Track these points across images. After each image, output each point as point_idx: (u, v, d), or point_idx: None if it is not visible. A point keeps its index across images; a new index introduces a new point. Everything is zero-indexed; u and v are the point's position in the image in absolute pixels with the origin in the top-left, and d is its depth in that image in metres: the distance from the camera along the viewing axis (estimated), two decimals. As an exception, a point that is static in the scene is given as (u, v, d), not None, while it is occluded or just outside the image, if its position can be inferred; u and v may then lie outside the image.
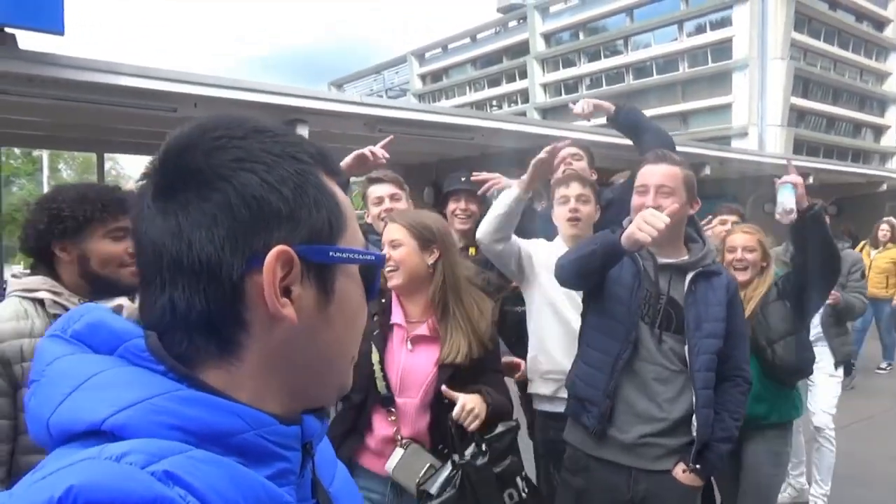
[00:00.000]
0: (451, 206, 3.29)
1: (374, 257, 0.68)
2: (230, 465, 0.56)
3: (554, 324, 2.80)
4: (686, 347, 2.20)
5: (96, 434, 0.53)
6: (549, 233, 3.07)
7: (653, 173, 2.25)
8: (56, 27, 4.21)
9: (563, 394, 2.70)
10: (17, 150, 26.51)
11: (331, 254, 0.63)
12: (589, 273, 2.25)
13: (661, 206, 2.15)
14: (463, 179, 3.33)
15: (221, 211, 0.58)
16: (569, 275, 2.32)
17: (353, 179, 2.70)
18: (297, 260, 0.60)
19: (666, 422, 2.18)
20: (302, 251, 0.60)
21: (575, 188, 2.84)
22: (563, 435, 2.42)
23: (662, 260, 2.27)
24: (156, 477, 0.49)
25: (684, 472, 2.18)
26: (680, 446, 2.21)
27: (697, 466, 2.19)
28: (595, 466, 2.26)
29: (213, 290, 0.58)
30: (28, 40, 4.32)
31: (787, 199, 2.48)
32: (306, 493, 0.68)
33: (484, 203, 3.31)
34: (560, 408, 2.64)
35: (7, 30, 4.25)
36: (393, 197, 2.91)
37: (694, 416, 2.19)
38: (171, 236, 0.58)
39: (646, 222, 2.00)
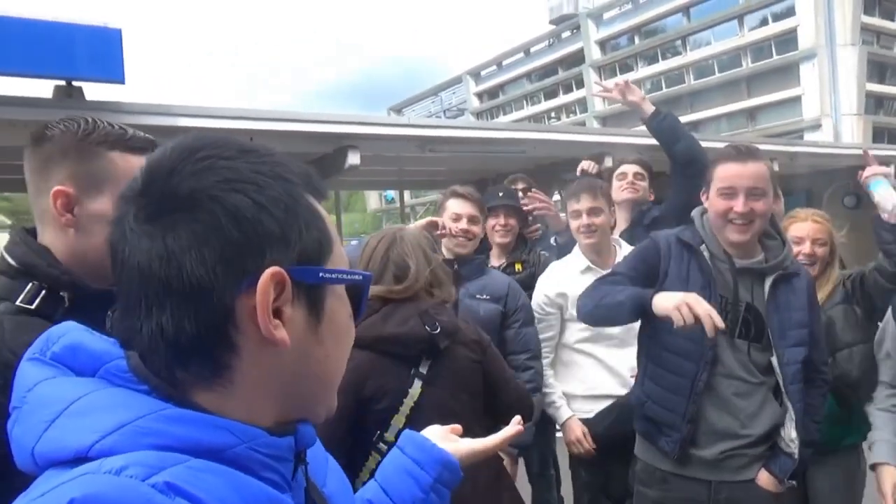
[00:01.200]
0: (491, 221, 3.26)
1: (360, 277, 0.68)
2: (230, 472, 0.56)
3: (588, 356, 2.85)
4: (773, 358, 2.08)
5: (85, 461, 0.53)
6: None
7: (742, 174, 2.06)
8: (118, 77, 4.49)
9: (586, 406, 2.84)
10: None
11: (321, 275, 0.63)
12: (613, 321, 2.24)
13: (753, 209, 2.02)
14: (501, 195, 3.32)
15: (213, 233, 0.57)
16: (594, 320, 2.30)
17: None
18: (289, 281, 0.59)
19: (749, 438, 2.08)
20: (293, 272, 0.60)
21: (585, 201, 2.80)
22: (634, 450, 2.36)
23: (741, 263, 2.10)
24: (157, 489, 0.50)
25: (769, 480, 2.09)
26: (762, 453, 2.11)
27: (794, 483, 2.11)
28: (673, 479, 2.17)
29: (203, 313, 0.57)
30: (93, 91, 4.62)
31: (887, 196, 2.19)
32: (300, 499, 0.68)
33: (522, 218, 3.33)
34: (581, 415, 2.83)
35: (74, 83, 4.56)
36: (472, 219, 2.81)
37: (793, 432, 2.07)
38: (160, 259, 0.57)
39: (688, 306, 1.79)
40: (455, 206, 2.82)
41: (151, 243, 0.58)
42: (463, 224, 2.78)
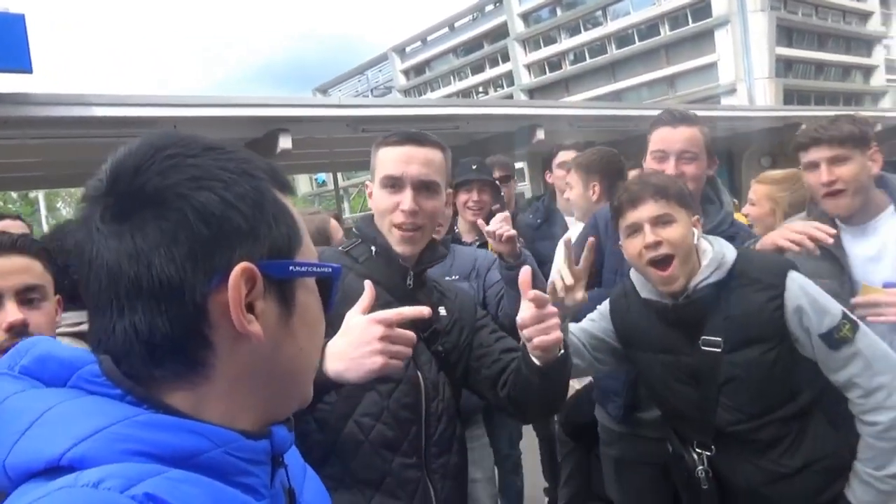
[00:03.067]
0: (463, 197, 3.02)
1: (330, 270, 0.68)
2: (209, 483, 0.55)
3: None
4: None
5: (57, 470, 0.52)
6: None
7: (673, 138, 2.09)
8: (23, 65, 4.20)
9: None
10: (13, 194, 26.64)
11: (291, 268, 0.63)
12: None
13: (684, 173, 1.99)
14: (474, 167, 3.07)
15: (181, 230, 0.57)
16: None
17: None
18: (260, 276, 0.59)
19: None
20: (264, 267, 0.60)
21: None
22: (594, 412, 2.46)
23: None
24: (136, 500, 0.49)
25: None
26: None
27: None
28: (628, 438, 2.30)
29: (175, 311, 0.57)
30: (-3, 83, 4.31)
31: None
32: (280, 503, 0.68)
33: (496, 193, 3.13)
34: None
35: (-25, 74, 4.25)
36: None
37: None
38: (129, 258, 0.57)
39: None
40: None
41: (120, 243, 0.57)
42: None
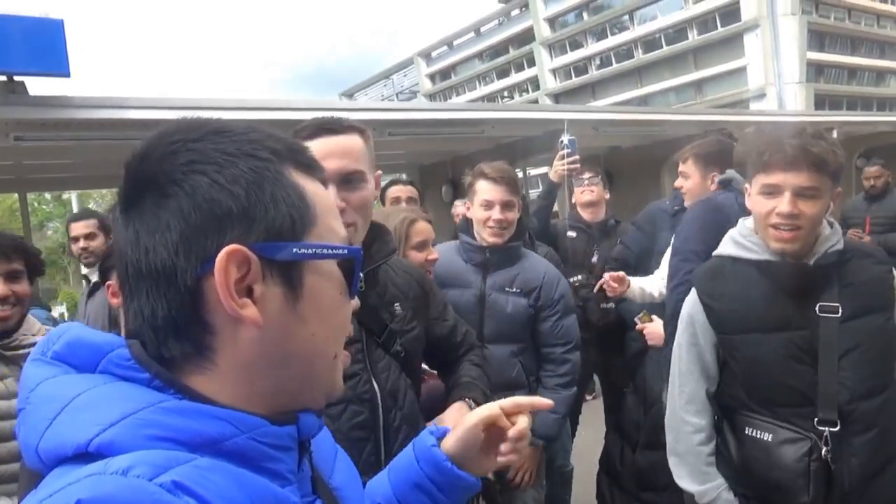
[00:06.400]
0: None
1: (346, 251, 0.66)
2: (237, 471, 0.56)
3: None
4: None
5: (85, 456, 0.53)
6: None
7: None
8: (62, 70, 4.32)
9: None
10: (47, 195, 27.27)
11: (294, 250, 0.61)
12: None
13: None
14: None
15: (174, 216, 0.58)
16: None
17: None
18: (255, 258, 0.58)
19: None
20: (260, 249, 0.59)
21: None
22: None
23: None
24: (164, 488, 0.49)
25: None
26: None
27: None
28: None
29: (172, 295, 0.58)
30: (37, 86, 4.44)
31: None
32: (306, 489, 0.67)
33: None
34: None
35: (16, 78, 4.37)
36: (506, 205, 2.43)
37: None
38: (131, 245, 0.59)
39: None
40: (486, 190, 2.41)
41: (126, 230, 0.60)
42: (496, 213, 2.39)
